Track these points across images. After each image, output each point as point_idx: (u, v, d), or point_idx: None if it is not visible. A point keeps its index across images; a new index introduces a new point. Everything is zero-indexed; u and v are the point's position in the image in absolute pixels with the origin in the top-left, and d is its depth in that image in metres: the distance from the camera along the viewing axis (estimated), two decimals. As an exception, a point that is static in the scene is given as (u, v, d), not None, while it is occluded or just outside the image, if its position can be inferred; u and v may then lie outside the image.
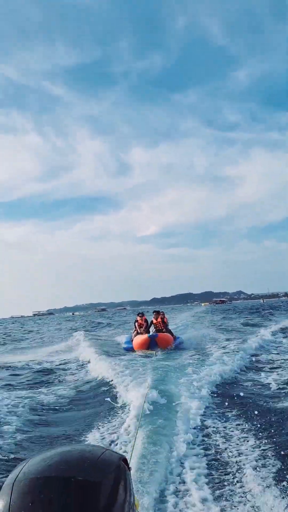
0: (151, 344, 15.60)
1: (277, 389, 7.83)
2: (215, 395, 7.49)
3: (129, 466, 1.38)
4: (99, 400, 8.03)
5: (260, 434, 5.36)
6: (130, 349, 16.73)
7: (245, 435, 5.36)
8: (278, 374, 9.16)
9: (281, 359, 11.41)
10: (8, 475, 1.24)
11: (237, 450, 4.85)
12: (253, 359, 11.63)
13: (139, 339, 16.18)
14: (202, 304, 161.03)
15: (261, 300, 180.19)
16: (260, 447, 4.88)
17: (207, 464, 4.52)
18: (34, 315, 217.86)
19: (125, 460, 1.35)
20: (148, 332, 16.64)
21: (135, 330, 17.37)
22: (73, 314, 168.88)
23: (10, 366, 13.49)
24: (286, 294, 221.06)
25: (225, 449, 4.92)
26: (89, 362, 13.48)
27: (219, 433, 5.50)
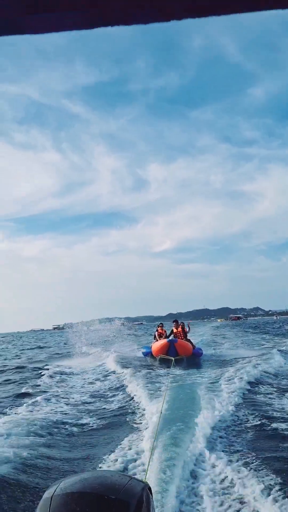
0: (170, 349, 15.34)
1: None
2: (234, 417, 7.39)
3: (152, 493, 1.50)
4: (113, 416, 8.06)
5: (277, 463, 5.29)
6: (149, 354, 16.77)
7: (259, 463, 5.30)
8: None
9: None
10: (43, 492, 1.36)
11: (252, 477, 4.80)
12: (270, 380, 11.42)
13: (158, 343, 16.08)
14: (218, 320, 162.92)
15: (275, 317, 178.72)
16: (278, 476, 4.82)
17: (222, 489, 4.51)
18: (54, 328, 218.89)
19: (149, 488, 1.47)
20: None
21: (155, 340, 17.32)
22: (87, 328, 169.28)
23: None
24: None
25: (239, 477, 4.88)
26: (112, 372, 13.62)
27: (233, 460, 5.45)
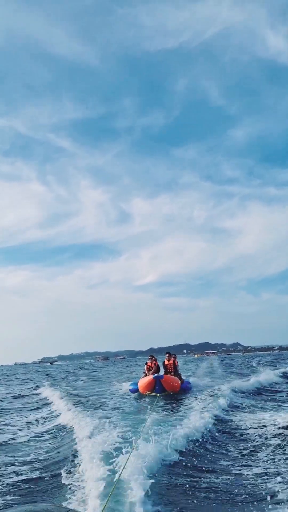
0: (156, 385, 14.35)
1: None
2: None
3: None
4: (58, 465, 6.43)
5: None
6: (135, 391, 15.77)
7: None
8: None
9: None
10: None
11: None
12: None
13: (144, 380, 15.02)
14: (195, 355, 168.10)
15: (241, 353, 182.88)
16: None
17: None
18: (40, 362, 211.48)
19: None
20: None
21: (144, 373, 16.36)
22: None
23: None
24: (280, 347, 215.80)
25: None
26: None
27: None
